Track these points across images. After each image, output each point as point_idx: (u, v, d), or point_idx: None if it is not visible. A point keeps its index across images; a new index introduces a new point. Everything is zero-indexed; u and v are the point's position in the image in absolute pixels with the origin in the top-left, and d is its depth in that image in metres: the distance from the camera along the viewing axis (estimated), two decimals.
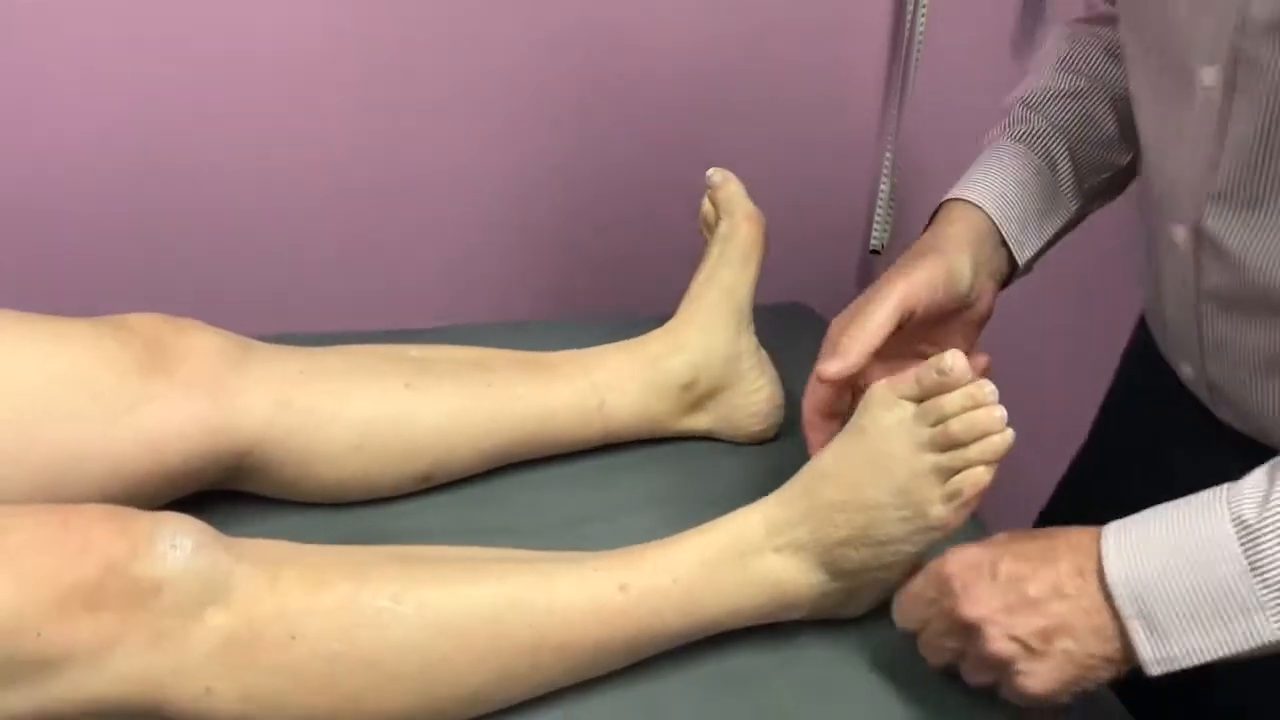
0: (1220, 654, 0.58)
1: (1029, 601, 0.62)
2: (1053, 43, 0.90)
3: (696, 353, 0.89)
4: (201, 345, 0.77)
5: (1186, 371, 0.78)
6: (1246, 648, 0.57)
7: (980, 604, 0.63)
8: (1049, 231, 0.83)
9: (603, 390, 0.87)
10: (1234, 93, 0.64)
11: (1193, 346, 0.75)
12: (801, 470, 0.72)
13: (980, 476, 0.66)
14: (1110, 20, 0.87)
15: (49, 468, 0.70)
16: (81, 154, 1.12)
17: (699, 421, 0.90)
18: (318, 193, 1.21)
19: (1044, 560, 0.63)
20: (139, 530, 0.60)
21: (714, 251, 0.91)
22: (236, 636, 0.60)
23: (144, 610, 0.58)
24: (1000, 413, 0.66)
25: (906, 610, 0.69)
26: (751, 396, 0.90)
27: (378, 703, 0.62)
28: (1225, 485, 0.60)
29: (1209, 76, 0.64)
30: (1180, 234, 0.71)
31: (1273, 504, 0.57)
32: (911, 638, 0.69)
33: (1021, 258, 0.81)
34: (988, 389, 0.66)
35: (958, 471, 0.66)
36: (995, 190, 0.81)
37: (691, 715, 0.68)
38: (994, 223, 0.80)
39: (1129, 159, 0.86)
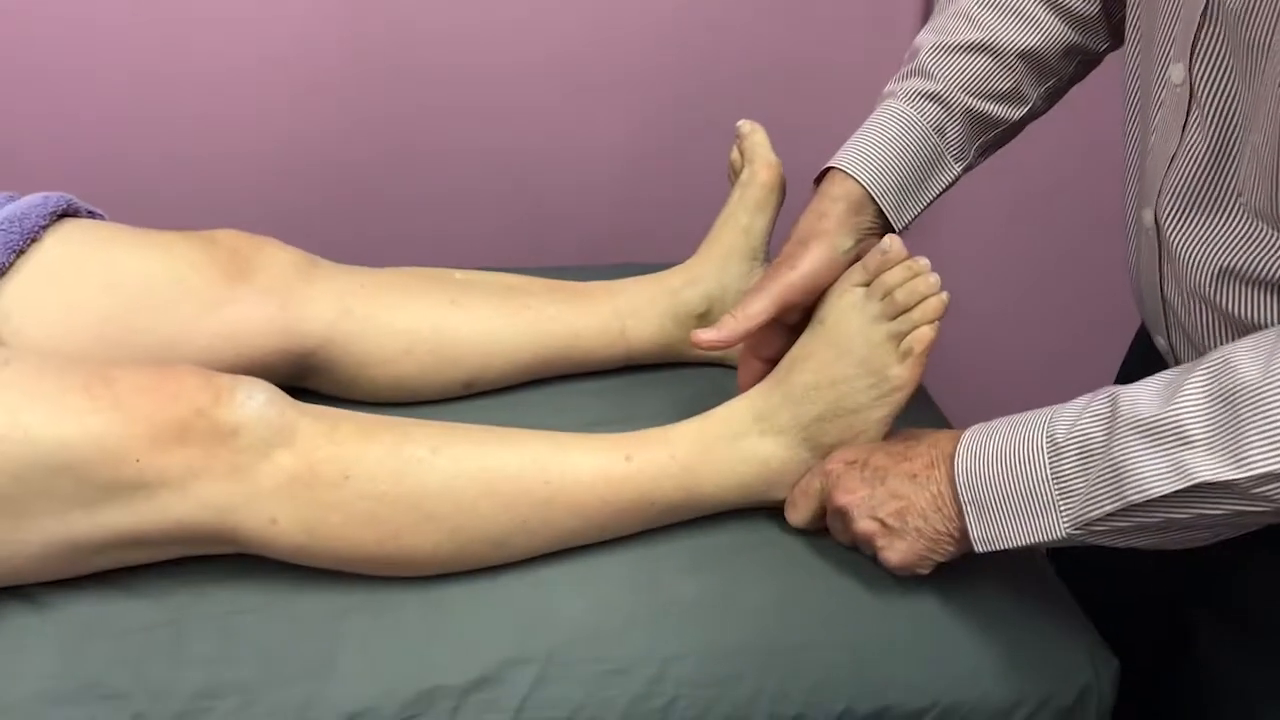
0: (1028, 541, 0.69)
1: (888, 487, 0.75)
2: None
3: (712, 285, 0.99)
4: (276, 258, 0.90)
5: (1160, 343, 0.84)
6: (1047, 539, 0.69)
7: (849, 492, 0.76)
8: (928, 196, 0.89)
9: (625, 316, 0.98)
10: (1192, 98, 0.71)
11: (1160, 321, 0.82)
12: (779, 364, 0.82)
13: (925, 334, 0.77)
14: None
15: (147, 353, 0.83)
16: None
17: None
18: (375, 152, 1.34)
19: (905, 456, 0.76)
20: (222, 384, 0.72)
21: (735, 195, 1.02)
22: (299, 475, 0.71)
23: (223, 448, 0.70)
24: (934, 278, 0.77)
25: (797, 504, 0.81)
26: None
27: (415, 539, 0.73)
28: (1056, 406, 0.70)
29: (1177, 74, 0.72)
30: (1148, 216, 0.77)
31: (1078, 428, 0.67)
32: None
33: (899, 224, 0.88)
34: (922, 261, 0.77)
35: (907, 334, 0.77)
36: (876, 162, 0.86)
37: (681, 569, 0.79)
38: (873, 195, 0.86)
39: (1024, 114, 0.90)
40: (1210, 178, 0.71)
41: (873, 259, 0.79)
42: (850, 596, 0.78)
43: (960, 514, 0.72)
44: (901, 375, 0.78)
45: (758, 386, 0.83)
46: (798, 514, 0.81)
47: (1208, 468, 0.61)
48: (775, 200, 1.01)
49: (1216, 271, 0.71)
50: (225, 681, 0.70)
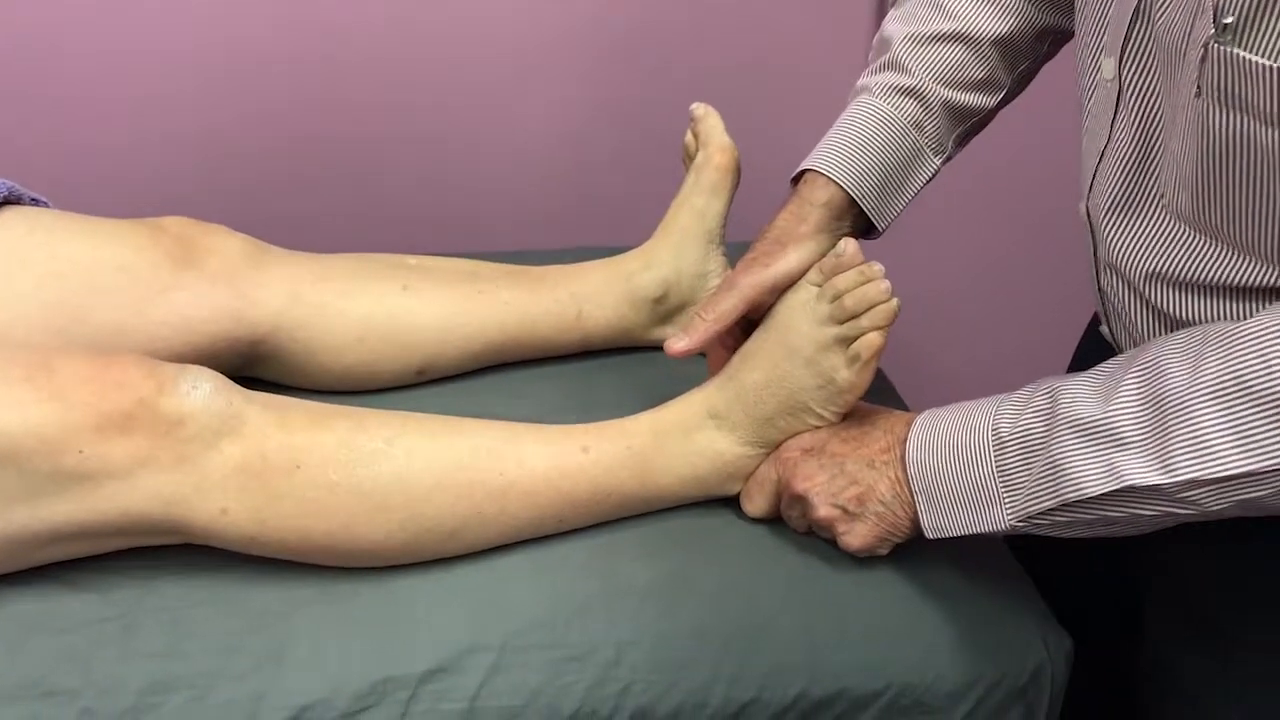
0: (975, 531, 0.70)
1: (846, 474, 0.75)
2: None
3: (668, 270, 0.99)
4: (225, 245, 0.88)
5: (1105, 331, 0.84)
6: (993, 530, 0.70)
7: (807, 479, 0.77)
8: (909, 194, 0.89)
9: (581, 300, 0.97)
10: (1121, 95, 0.70)
11: (1101, 310, 0.82)
12: (733, 358, 0.82)
13: (873, 340, 0.76)
14: None
15: (94, 342, 0.81)
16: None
17: (668, 332, 1.00)
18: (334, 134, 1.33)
19: (861, 441, 0.76)
20: (166, 373, 0.71)
21: (690, 179, 1.01)
22: (248, 464, 0.70)
23: (169, 438, 0.69)
24: (885, 285, 0.76)
25: (753, 495, 0.81)
26: None
27: (366, 530, 0.73)
28: (1002, 395, 0.71)
29: (1109, 68, 0.71)
30: (1082, 210, 0.78)
31: (1021, 423, 0.68)
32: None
33: (881, 225, 0.88)
34: (876, 267, 0.77)
35: (855, 340, 0.77)
36: (858, 165, 0.85)
37: (636, 556, 0.79)
38: (854, 197, 0.85)
39: (999, 100, 0.90)
40: (1136, 178, 0.71)
41: (827, 261, 0.78)
42: (805, 581, 0.78)
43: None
44: (849, 379, 0.78)
45: (712, 381, 0.83)
46: (754, 504, 0.81)
47: (1137, 471, 0.62)
48: (730, 183, 1.01)
49: (1146, 271, 0.71)
50: (175, 675, 0.69)
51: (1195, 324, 0.68)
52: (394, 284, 0.92)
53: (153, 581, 0.74)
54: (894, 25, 0.89)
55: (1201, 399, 0.60)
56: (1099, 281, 0.79)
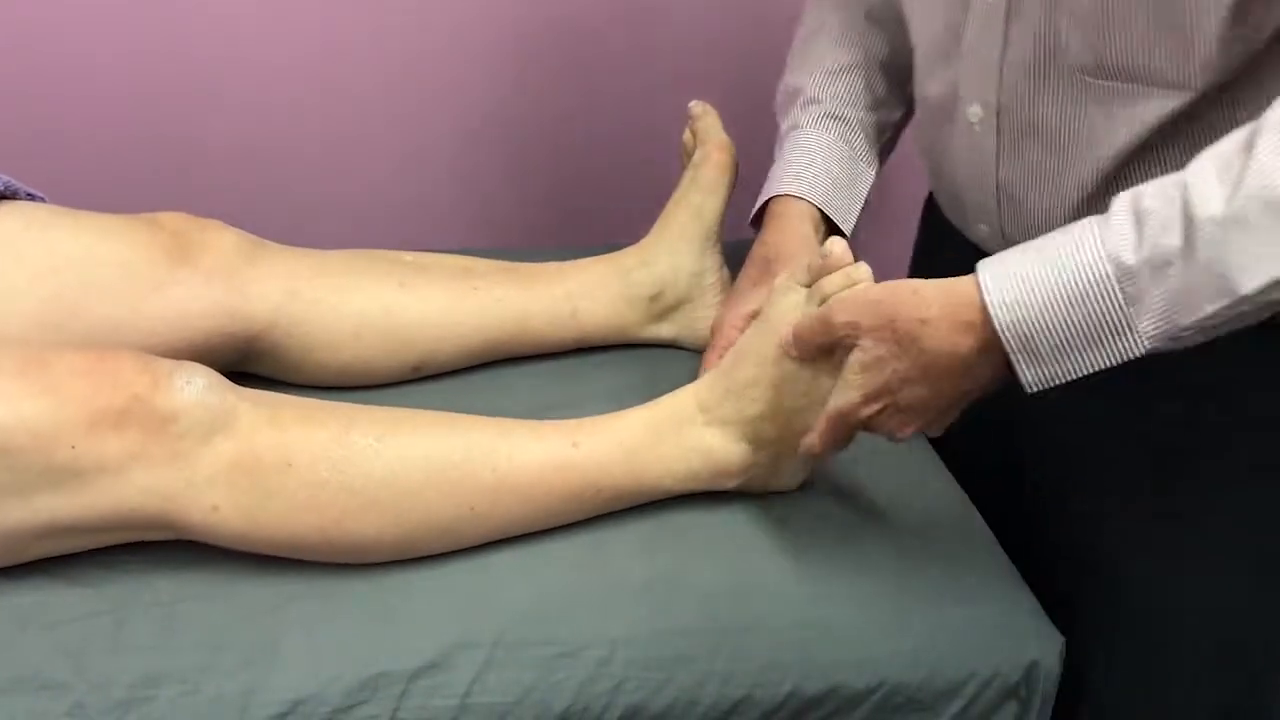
0: (1095, 369, 0.67)
1: (938, 406, 0.72)
2: (817, 14, 1.02)
3: (664, 267, 0.99)
4: (221, 241, 0.88)
5: (981, 230, 0.90)
6: (1119, 359, 0.66)
7: (904, 427, 0.74)
8: (862, 200, 0.98)
9: (576, 298, 0.97)
10: (1010, 17, 0.77)
11: (987, 209, 0.88)
12: (725, 355, 0.82)
13: None
14: None
15: (88, 338, 0.81)
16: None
17: (663, 330, 1.00)
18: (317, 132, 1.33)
19: (926, 359, 0.70)
20: (160, 369, 0.71)
21: (688, 176, 1.01)
22: (240, 461, 0.71)
23: (162, 434, 0.69)
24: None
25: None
26: (713, 310, 1.00)
27: (358, 527, 0.73)
28: (1092, 225, 0.67)
29: None
30: (975, 112, 0.84)
31: (1145, 246, 0.64)
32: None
33: (849, 231, 0.97)
34: (863, 269, 0.76)
35: None
36: (822, 184, 0.96)
37: (629, 553, 0.79)
38: (825, 213, 0.95)
39: (903, 113, 1.02)
40: (1035, 97, 0.79)
41: (815, 262, 0.77)
42: (798, 578, 0.78)
43: (1006, 361, 0.69)
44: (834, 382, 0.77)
45: (705, 377, 0.83)
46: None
47: None
48: (728, 181, 1.00)
49: (1077, 141, 0.78)
50: (167, 670, 0.69)
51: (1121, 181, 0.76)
52: (390, 280, 0.92)
53: (146, 576, 0.74)
54: (796, 77, 1.02)
55: None
56: (997, 176, 0.85)
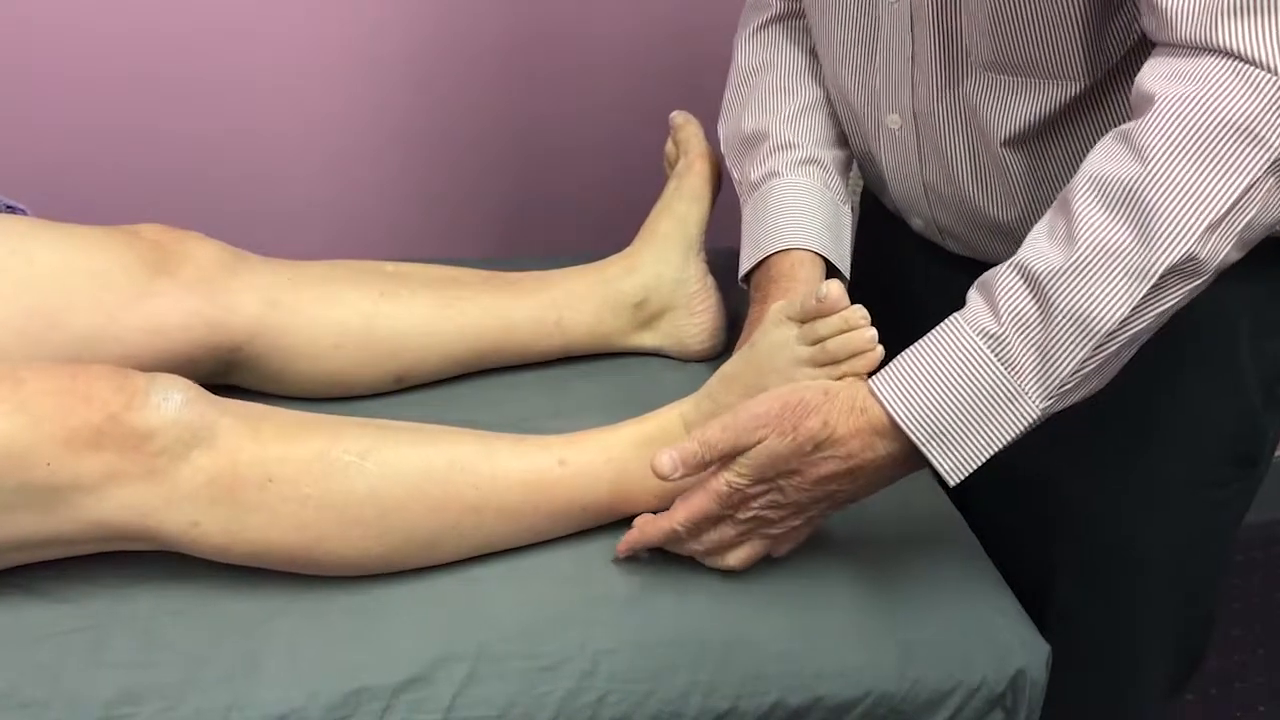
0: (1003, 443, 0.69)
1: (839, 494, 0.74)
2: (755, 52, 1.00)
3: (648, 276, 0.98)
4: (201, 252, 0.88)
5: (917, 223, 0.94)
6: (1023, 427, 0.68)
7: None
8: (850, 244, 0.96)
9: (561, 307, 0.97)
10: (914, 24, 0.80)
11: (919, 203, 0.92)
12: (712, 376, 0.82)
13: None
14: (787, 15, 0.99)
15: (67, 349, 0.81)
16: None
17: (648, 339, 1.00)
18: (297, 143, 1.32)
19: (825, 475, 0.72)
20: (135, 385, 0.70)
21: (671, 186, 1.01)
22: (220, 477, 0.70)
23: (138, 451, 0.68)
24: (871, 334, 0.75)
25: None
26: (697, 318, 1.00)
27: (340, 544, 0.72)
28: (954, 315, 0.70)
29: None
30: (894, 120, 0.88)
31: (1004, 311, 0.68)
32: None
33: (847, 276, 0.94)
34: (859, 313, 0.75)
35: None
36: (814, 230, 0.92)
37: (610, 568, 0.78)
38: (828, 260, 0.92)
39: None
40: (946, 59, 0.82)
41: (809, 302, 0.76)
42: (781, 589, 0.78)
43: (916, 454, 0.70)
44: None
45: (692, 397, 0.82)
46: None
47: (1163, 252, 0.64)
48: (711, 189, 1.00)
49: (994, 134, 0.82)
50: (146, 685, 0.68)
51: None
52: (371, 290, 0.91)
53: (125, 590, 0.73)
54: (752, 120, 0.98)
55: (1163, 165, 0.63)
56: (923, 174, 0.89)
